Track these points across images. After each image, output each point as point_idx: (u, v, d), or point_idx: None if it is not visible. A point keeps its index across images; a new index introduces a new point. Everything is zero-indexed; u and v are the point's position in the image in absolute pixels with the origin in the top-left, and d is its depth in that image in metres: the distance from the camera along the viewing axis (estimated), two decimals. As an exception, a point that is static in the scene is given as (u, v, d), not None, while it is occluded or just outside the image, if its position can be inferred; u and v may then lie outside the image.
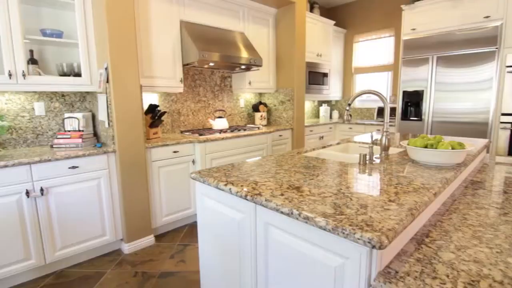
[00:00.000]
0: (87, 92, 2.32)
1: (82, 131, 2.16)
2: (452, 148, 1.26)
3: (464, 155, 1.29)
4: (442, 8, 3.21)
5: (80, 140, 2.06)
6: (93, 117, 2.33)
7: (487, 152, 3.06)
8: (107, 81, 2.01)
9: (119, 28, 1.98)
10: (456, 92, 3.17)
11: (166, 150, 2.33)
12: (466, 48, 3.06)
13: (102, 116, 2.14)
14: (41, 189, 1.77)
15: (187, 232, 2.46)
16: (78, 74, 2.15)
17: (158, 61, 2.48)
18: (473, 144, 1.78)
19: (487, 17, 2.92)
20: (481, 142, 1.87)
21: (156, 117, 2.55)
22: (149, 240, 2.26)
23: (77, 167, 1.89)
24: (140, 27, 2.34)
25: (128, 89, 2.07)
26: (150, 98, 2.73)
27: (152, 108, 2.55)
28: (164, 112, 2.59)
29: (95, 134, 2.32)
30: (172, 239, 2.35)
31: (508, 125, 2.86)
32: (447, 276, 0.66)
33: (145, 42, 2.38)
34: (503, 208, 1.04)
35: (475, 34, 3.00)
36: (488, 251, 0.76)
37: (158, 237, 2.37)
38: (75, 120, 2.17)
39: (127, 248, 2.15)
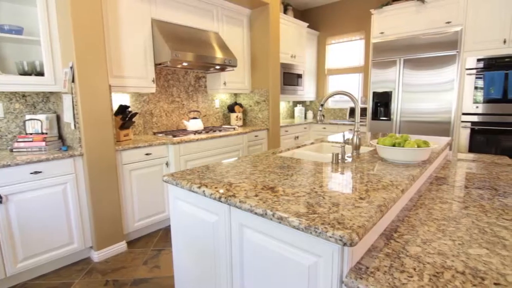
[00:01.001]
0: (51, 93, 2.20)
1: (46, 133, 2.04)
2: (418, 146, 1.33)
3: (429, 153, 1.36)
4: (407, 13, 3.39)
5: (43, 143, 1.95)
6: (58, 118, 2.20)
7: (450, 149, 3.26)
8: (73, 81, 1.91)
9: (86, 25, 1.89)
10: (421, 93, 3.35)
11: (137, 153, 2.26)
12: (430, 51, 3.25)
13: (67, 117, 2.03)
14: (0, 197, 1.65)
15: (161, 236, 2.40)
16: (40, 73, 2.03)
17: (128, 60, 2.40)
18: (437, 142, 1.88)
19: (448, 22, 3.11)
20: (444, 140, 1.98)
21: (127, 118, 2.46)
22: (121, 246, 2.18)
23: (40, 172, 1.78)
24: (109, 24, 2.25)
25: (96, 89, 1.98)
26: (120, 99, 2.64)
27: (123, 109, 2.46)
28: (136, 113, 2.51)
29: (60, 136, 2.19)
30: (145, 244, 2.28)
31: (468, 124, 3.06)
32: (414, 269, 0.69)
33: (115, 41, 2.30)
34: (464, 202, 1.10)
35: (438, 39, 3.19)
36: (451, 243, 0.80)
37: (130, 243, 2.29)
38: (37, 122, 2.05)
39: (97, 256, 2.06)
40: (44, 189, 1.82)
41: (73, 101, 1.94)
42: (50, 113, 2.19)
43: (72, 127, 1.99)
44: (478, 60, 2.98)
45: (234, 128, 3.19)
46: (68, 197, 1.94)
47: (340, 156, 1.43)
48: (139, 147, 2.26)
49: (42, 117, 2.08)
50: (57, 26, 1.99)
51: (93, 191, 2.00)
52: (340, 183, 1.06)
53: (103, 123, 2.03)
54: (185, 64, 2.70)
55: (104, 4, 2.22)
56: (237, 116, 3.56)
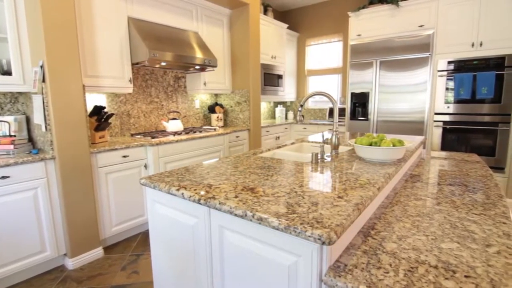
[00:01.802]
0: (20, 93, 2.09)
1: (14, 136, 1.94)
2: (393, 145, 1.38)
3: (404, 151, 1.41)
4: (382, 17, 3.52)
5: (11, 147, 1.85)
6: (28, 120, 2.09)
7: (424, 147, 3.39)
8: (43, 81, 1.83)
9: (57, 22, 1.81)
10: (397, 93, 3.49)
11: (114, 155, 2.19)
12: (404, 53, 3.38)
13: (38, 119, 1.94)
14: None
15: (140, 241, 2.34)
16: (7, 73, 1.93)
17: (103, 59, 2.33)
18: (412, 141, 1.95)
19: (421, 26, 3.24)
20: (418, 139, 2.07)
21: (103, 120, 2.38)
22: (97, 252, 2.11)
23: (8, 177, 1.69)
24: (82, 22, 2.17)
25: (68, 89, 1.90)
26: (96, 99, 2.55)
27: (98, 110, 2.38)
28: (112, 114, 2.43)
29: (30, 139, 2.09)
30: (123, 249, 2.21)
31: (440, 123, 3.20)
32: (390, 265, 0.71)
33: (89, 39, 2.22)
34: (437, 198, 1.15)
35: (412, 41, 3.32)
36: (425, 239, 0.83)
37: (107, 249, 2.22)
38: (5, 124, 1.95)
39: (72, 263, 1.98)
40: (13, 195, 1.72)
41: (43, 102, 1.85)
42: (19, 115, 2.09)
43: (43, 129, 1.90)
44: (449, 62, 3.14)
45: (215, 129, 3.17)
46: (39, 203, 1.84)
47: (319, 155, 1.45)
48: (116, 149, 2.20)
49: (10, 118, 1.98)
50: (25, 22, 1.89)
51: (66, 195, 1.92)
52: (319, 182, 1.08)
53: (77, 125, 1.95)
54: (163, 63, 2.66)
55: (77, 0, 2.14)
56: (217, 117, 3.55)
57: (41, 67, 1.85)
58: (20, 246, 1.79)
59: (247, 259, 0.87)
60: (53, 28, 1.81)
